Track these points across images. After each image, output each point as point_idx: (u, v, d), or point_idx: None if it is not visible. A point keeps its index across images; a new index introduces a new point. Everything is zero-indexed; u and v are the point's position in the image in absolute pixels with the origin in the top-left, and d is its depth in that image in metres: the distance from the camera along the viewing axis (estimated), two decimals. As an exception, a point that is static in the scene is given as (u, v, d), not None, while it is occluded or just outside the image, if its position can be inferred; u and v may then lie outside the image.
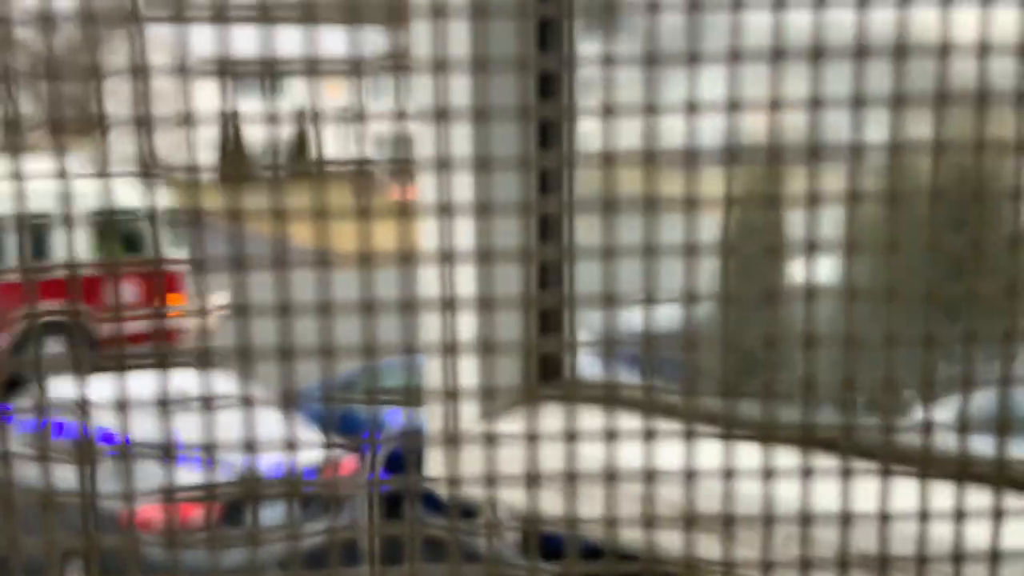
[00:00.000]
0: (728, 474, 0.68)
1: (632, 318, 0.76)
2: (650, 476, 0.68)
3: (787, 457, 0.72)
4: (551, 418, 0.82)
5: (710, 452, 0.71)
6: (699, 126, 0.68)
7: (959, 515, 0.67)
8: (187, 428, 0.83)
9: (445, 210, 0.62)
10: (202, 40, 0.78)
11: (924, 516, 0.67)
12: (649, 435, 0.69)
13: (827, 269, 0.77)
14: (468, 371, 0.86)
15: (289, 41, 0.74)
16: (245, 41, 0.75)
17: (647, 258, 0.66)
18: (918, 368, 0.71)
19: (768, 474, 0.68)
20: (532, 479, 0.69)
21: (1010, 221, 0.70)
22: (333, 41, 0.79)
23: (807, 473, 0.67)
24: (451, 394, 0.67)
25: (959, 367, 0.71)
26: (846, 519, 0.67)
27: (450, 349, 0.65)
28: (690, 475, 0.68)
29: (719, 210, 0.74)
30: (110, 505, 0.90)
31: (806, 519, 0.67)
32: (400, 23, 0.77)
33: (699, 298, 0.71)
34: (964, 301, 0.68)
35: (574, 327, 0.82)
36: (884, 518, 0.68)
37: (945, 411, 0.79)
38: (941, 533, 0.73)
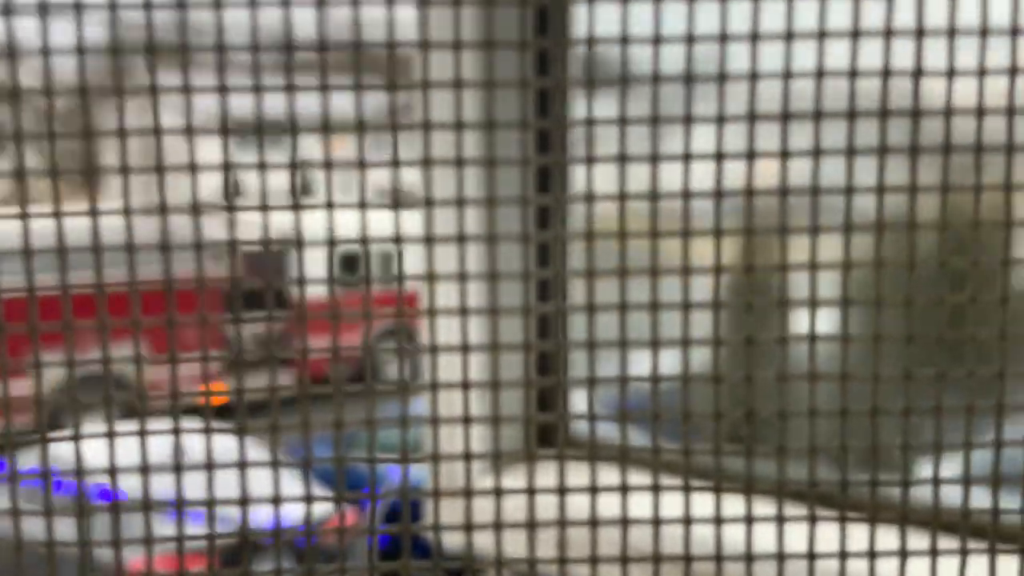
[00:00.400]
0: (687, 521, 0.85)
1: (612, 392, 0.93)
2: (625, 523, 0.85)
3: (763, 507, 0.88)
4: (547, 475, 0.99)
5: (674, 502, 0.88)
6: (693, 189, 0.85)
7: (872, 554, 0.84)
8: (193, 484, 0.94)
9: (464, 311, 0.80)
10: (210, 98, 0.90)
11: (844, 555, 0.84)
12: (625, 489, 0.86)
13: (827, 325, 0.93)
14: (474, 434, 1.03)
15: (300, 101, 0.89)
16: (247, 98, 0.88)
17: (623, 350, 0.84)
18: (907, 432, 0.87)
19: (720, 521, 0.85)
20: (530, 527, 0.86)
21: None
22: (340, 101, 0.94)
23: (750, 520, 0.84)
24: (466, 456, 0.84)
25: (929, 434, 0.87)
26: (781, 558, 0.84)
27: (466, 420, 0.82)
28: (657, 522, 0.85)
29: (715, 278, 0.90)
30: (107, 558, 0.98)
31: (749, 558, 0.84)
32: (401, 91, 0.91)
33: (679, 377, 0.88)
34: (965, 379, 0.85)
35: (567, 402, 0.98)
36: (812, 557, 0.84)
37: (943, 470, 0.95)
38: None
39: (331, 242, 0.82)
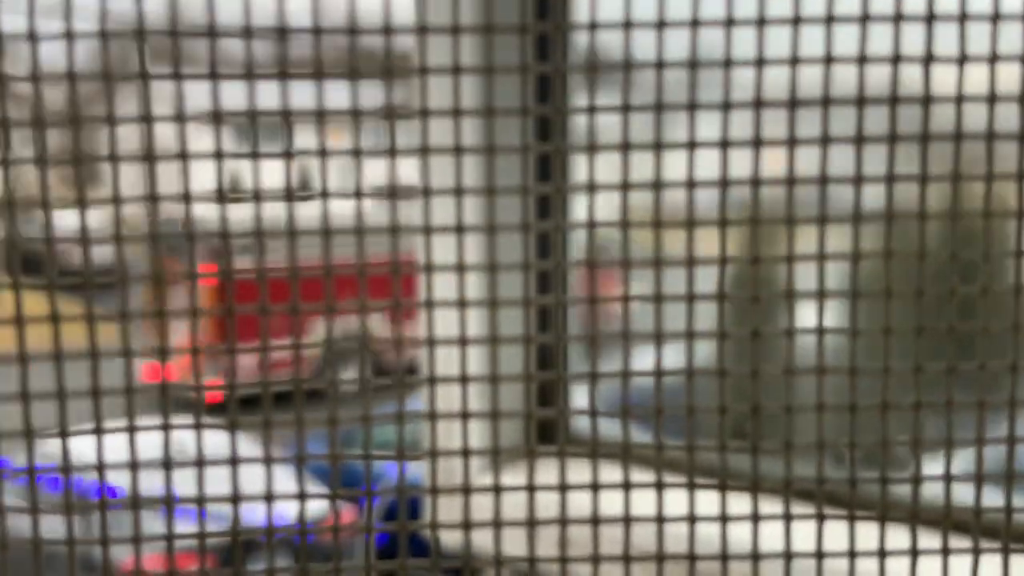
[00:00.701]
0: (692, 519, 0.83)
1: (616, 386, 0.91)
2: (627, 521, 0.82)
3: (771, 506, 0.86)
4: (548, 472, 0.96)
5: (678, 499, 0.86)
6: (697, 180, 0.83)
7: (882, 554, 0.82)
8: (187, 482, 0.93)
9: (463, 303, 0.78)
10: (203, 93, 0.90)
11: (854, 554, 0.81)
12: (627, 486, 0.84)
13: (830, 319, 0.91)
14: (473, 430, 1.01)
15: (296, 95, 0.88)
16: (242, 94, 0.88)
17: (625, 341, 0.81)
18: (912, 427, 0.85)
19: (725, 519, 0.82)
20: (530, 525, 0.84)
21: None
22: (336, 95, 0.92)
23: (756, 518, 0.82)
24: (464, 452, 0.82)
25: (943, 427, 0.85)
26: (789, 557, 0.82)
27: (464, 415, 0.80)
28: (661, 520, 0.83)
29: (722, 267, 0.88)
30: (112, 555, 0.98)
31: (756, 557, 0.82)
32: (398, 79, 0.90)
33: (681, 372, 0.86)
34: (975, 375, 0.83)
35: (568, 398, 0.96)
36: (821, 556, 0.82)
37: (942, 466, 0.93)
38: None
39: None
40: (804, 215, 0.84)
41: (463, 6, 0.79)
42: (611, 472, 0.94)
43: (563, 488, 0.83)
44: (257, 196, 0.87)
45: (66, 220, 0.93)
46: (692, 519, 0.83)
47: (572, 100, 1.39)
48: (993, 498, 0.86)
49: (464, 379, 0.81)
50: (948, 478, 0.82)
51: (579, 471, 0.92)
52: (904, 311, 0.86)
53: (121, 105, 0.88)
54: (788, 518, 0.82)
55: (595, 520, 0.82)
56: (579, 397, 1.56)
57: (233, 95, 0.91)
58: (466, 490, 0.82)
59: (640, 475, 0.91)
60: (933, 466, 0.92)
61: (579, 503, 0.87)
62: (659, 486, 0.83)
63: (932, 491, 0.90)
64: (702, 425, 0.88)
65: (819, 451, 0.82)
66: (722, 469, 0.83)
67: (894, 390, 0.85)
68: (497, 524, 0.82)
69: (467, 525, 0.82)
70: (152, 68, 0.86)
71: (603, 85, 0.87)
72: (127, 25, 0.85)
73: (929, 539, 0.84)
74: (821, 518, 0.82)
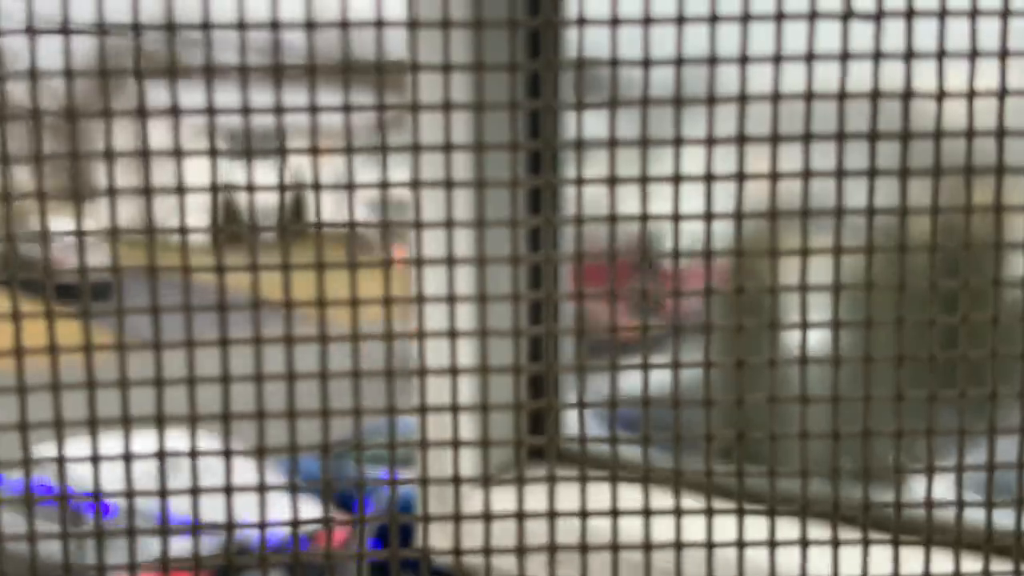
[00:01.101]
0: (678, 546, 0.84)
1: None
2: (615, 548, 0.84)
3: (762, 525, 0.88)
4: (539, 489, 0.98)
5: (666, 523, 0.88)
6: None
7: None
8: (181, 498, 0.93)
9: (453, 334, 0.79)
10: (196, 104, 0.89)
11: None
12: (615, 513, 0.86)
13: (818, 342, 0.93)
14: (464, 432, 1.02)
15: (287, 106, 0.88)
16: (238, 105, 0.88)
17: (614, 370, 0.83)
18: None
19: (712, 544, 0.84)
20: (521, 548, 0.85)
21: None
22: (327, 102, 0.93)
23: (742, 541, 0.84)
24: (455, 479, 0.83)
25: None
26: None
27: (456, 444, 0.82)
28: (648, 547, 0.85)
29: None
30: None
31: (741, 581, 0.84)
32: (392, 88, 0.91)
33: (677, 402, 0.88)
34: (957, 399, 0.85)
35: (558, 424, 0.98)
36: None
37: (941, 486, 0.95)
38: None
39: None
40: (788, 247, 0.86)
41: (455, 43, 0.81)
42: (600, 491, 0.96)
43: (552, 515, 0.85)
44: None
45: (62, 236, 0.94)
46: (679, 545, 0.85)
47: (564, 125, 1.41)
48: (974, 512, 0.88)
49: (455, 408, 0.82)
50: (961, 504, 0.84)
51: (569, 488, 0.93)
52: (888, 339, 0.88)
53: (118, 134, 0.90)
54: (773, 545, 0.84)
55: (583, 547, 0.84)
56: (570, 412, 1.57)
57: (226, 107, 0.92)
58: (457, 517, 0.84)
59: (630, 494, 0.93)
60: (917, 485, 0.94)
61: (570, 520, 0.89)
62: (646, 513, 0.85)
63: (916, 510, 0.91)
64: (693, 444, 0.90)
65: (803, 476, 0.84)
66: (707, 492, 0.85)
67: (881, 415, 0.87)
68: (487, 551, 0.84)
69: (458, 552, 0.84)
70: (149, 83, 0.87)
71: (592, 116, 0.89)
72: (125, 44, 0.87)
73: (912, 556, 0.86)
74: (805, 544, 0.84)
